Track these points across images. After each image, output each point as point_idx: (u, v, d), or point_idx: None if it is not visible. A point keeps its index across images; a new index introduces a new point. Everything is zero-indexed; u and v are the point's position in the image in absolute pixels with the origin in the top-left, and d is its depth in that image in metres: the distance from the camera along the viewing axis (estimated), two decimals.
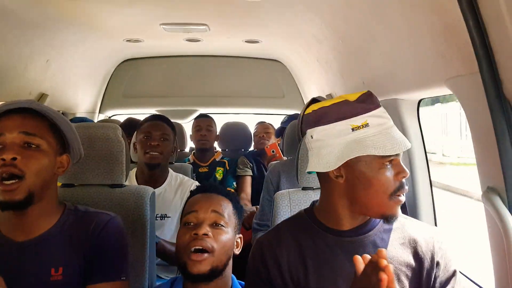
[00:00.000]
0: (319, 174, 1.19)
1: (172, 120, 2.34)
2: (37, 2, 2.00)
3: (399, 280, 1.13)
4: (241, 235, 1.40)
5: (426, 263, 1.15)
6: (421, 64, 1.54)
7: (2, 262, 1.16)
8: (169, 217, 2.14)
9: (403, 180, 1.11)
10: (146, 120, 2.28)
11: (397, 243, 1.18)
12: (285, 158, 2.72)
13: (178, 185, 2.23)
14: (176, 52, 3.63)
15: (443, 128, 11.68)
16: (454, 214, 6.22)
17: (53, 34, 2.39)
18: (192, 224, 1.30)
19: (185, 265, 1.25)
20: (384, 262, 0.93)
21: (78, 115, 3.28)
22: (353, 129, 1.10)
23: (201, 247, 1.24)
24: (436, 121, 11.27)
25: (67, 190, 1.65)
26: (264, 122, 3.60)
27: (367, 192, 1.11)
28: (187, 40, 3.10)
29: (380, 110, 1.13)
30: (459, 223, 5.83)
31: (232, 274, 1.37)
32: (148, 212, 1.65)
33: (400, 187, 1.11)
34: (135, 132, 2.32)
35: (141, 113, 3.73)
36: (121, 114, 3.91)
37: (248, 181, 3.14)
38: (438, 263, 1.15)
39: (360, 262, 1.00)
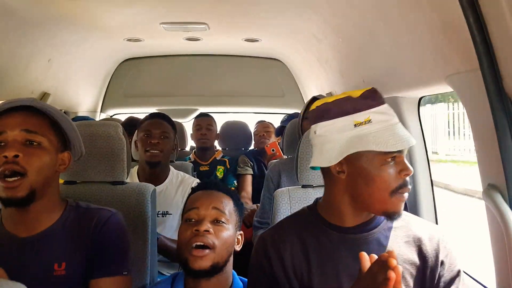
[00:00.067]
0: (322, 170, 1.20)
1: (172, 119, 2.35)
2: (38, 2, 2.01)
3: (403, 278, 1.13)
4: (241, 232, 1.41)
5: (430, 262, 1.15)
6: (421, 62, 1.54)
7: (5, 258, 1.16)
8: (171, 214, 2.15)
9: (407, 178, 1.11)
10: (146, 118, 2.29)
11: (402, 241, 1.18)
12: (285, 156, 2.72)
13: (180, 182, 2.24)
14: (176, 51, 3.64)
15: (433, 128, 11.89)
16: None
17: (54, 33, 2.40)
18: (193, 220, 1.31)
19: (186, 261, 1.26)
20: (394, 262, 0.93)
21: (80, 114, 3.29)
22: (355, 125, 1.10)
23: (202, 243, 1.26)
24: (427, 121, 11.47)
25: (69, 187, 1.67)
26: (264, 121, 3.61)
27: (368, 189, 1.10)
28: (187, 39, 3.11)
29: (384, 107, 1.13)
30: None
31: (233, 270, 1.38)
32: (149, 209, 1.66)
33: (403, 185, 1.10)
34: (136, 130, 2.32)
35: (142, 112, 3.74)
36: (122, 113, 3.91)
37: (249, 179, 3.15)
38: (442, 262, 1.15)
39: (366, 259, 1.00)
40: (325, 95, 2.83)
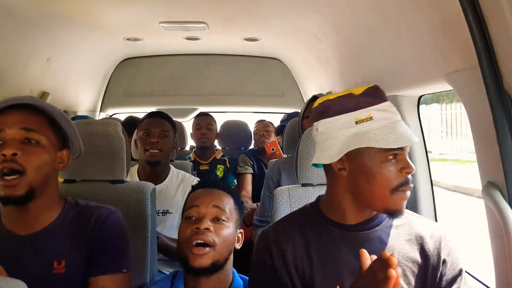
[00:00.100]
0: (324, 167, 1.20)
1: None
2: (37, 1, 2.01)
3: (405, 276, 1.13)
4: (242, 230, 1.41)
5: (432, 260, 1.15)
6: (421, 60, 1.54)
7: (5, 256, 1.16)
8: (171, 213, 2.15)
9: (409, 176, 1.10)
10: (146, 117, 2.29)
11: (404, 239, 1.18)
12: (284, 155, 2.72)
13: (180, 181, 2.24)
14: (175, 50, 3.64)
15: (427, 128, 12.02)
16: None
17: (54, 33, 2.40)
18: (193, 218, 1.31)
19: (186, 258, 1.26)
20: (395, 261, 0.92)
21: (79, 113, 3.29)
22: (356, 122, 1.10)
23: (202, 241, 1.26)
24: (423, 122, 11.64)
25: (69, 186, 1.67)
26: (264, 120, 3.62)
27: (369, 186, 1.10)
28: (186, 38, 3.11)
29: (386, 104, 1.13)
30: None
31: (233, 268, 1.38)
32: (149, 207, 1.66)
33: (405, 183, 1.10)
34: (136, 129, 2.32)
35: (141, 112, 3.74)
36: (122, 113, 3.91)
37: (249, 179, 3.15)
38: (444, 261, 1.15)
39: (367, 257, 1.00)
40: (325, 95, 2.82)
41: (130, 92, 3.76)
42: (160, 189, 2.15)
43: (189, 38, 3.11)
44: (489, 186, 1.17)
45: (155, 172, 2.20)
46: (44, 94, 2.62)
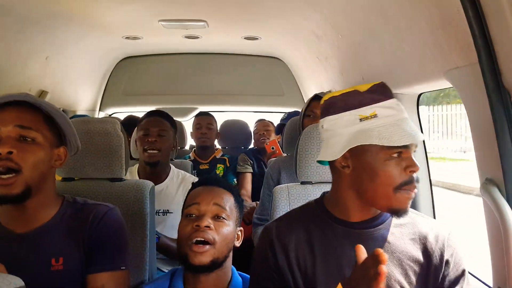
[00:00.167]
0: (330, 164, 1.19)
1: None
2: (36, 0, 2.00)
3: (406, 275, 1.13)
4: (241, 228, 1.41)
5: (435, 261, 1.14)
6: (421, 58, 1.54)
7: (2, 253, 1.16)
8: (171, 213, 2.13)
9: (414, 175, 1.09)
10: (145, 116, 2.29)
11: (407, 238, 1.17)
12: (284, 154, 2.72)
13: (180, 181, 2.23)
14: (175, 49, 3.64)
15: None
16: None
17: (52, 31, 2.39)
18: (194, 216, 1.31)
19: (186, 256, 1.26)
20: (386, 257, 0.92)
21: (79, 113, 3.28)
22: (361, 119, 1.09)
23: (202, 239, 1.26)
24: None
25: (67, 184, 1.67)
26: (264, 120, 3.62)
27: (372, 184, 1.09)
28: (186, 37, 3.10)
29: (392, 102, 1.11)
30: None
31: (232, 266, 1.38)
32: (147, 206, 1.66)
33: (409, 182, 1.08)
34: (135, 129, 2.32)
35: (141, 111, 3.74)
36: (121, 112, 3.91)
37: (248, 178, 3.15)
38: (447, 262, 1.14)
39: (363, 251, 0.99)
40: (326, 93, 2.82)
41: (129, 91, 3.75)
42: (161, 189, 2.15)
43: (189, 37, 3.11)
44: (487, 183, 1.17)
45: (155, 171, 2.19)
46: (42, 93, 2.61)
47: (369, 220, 1.17)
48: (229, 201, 1.36)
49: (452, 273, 1.14)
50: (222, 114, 4.24)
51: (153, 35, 3.06)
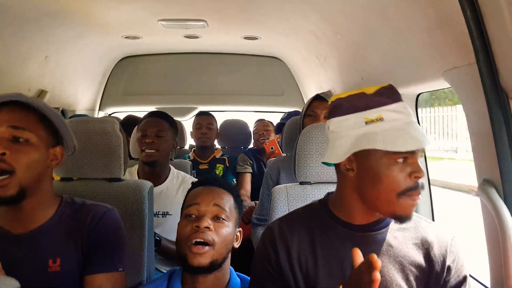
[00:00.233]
0: (335, 165, 1.18)
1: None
2: None
3: (407, 280, 1.12)
4: (240, 229, 1.40)
5: (437, 266, 1.14)
6: (419, 58, 1.54)
7: (0, 255, 1.15)
8: (171, 214, 2.12)
9: (419, 181, 1.06)
10: (144, 117, 2.28)
11: (410, 242, 1.16)
12: (283, 154, 2.72)
13: (180, 182, 2.22)
14: (175, 49, 3.63)
15: None
16: None
17: (52, 30, 2.38)
18: (193, 216, 1.30)
19: (185, 257, 1.25)
20: (379, 264, 0.91)
21: (78, 112, 3.28)
22: (366, 123, 1.07)
23: (202, 240, 1.25)
24: None
25: (65, 184, 1.67)
26: (264, 119, 3.61)
27: (375, 188, 1.08)
28: (185, 36, 3.10)
29: (399, 105, 1.09)
30: None
31: (230, 267, 1.38)
32: (146, 206, 1.66)
33: (413, 188, 1.06)
34: (135, 128, 2.32)
35: (140, 111, 3.74)
36: (121, 112, 3.91)
37: (248, 178, 3.15)
38: (449, 268, 1.14)
39: (359, 256, 0.98)
40: (325, 92, 2.82)
41: (129, 90, 3.75)
42: (160, 190, 2.14)
43: (188, 36, 3.11)
44: (485, 183, 1.17)
45: (154, 172, 2.18)
46: (42, 93, 2.61)
47: (372, 223, 1.16)
48: (229, 201, 1.35)
49: (453, 279, 1.14)
50: (222, 114, 4.24)
51: (153, 35, 3.05)
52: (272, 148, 3.06)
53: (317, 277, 1.14)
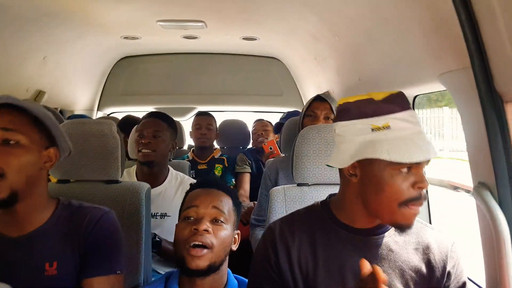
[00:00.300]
0: (339, 169, 1.17)
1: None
2: None
3: (407, 285, 1.12)
4: (239, 231, 1.39)
5: (437, 272, 1.14)
6: (415, 60, 1.54)
7: None
8: (169, 216, 2.12)
9: (422, 191, 1.05)
10: (142, 118, 2.28)
11: (411, 247, 1.16)
12: (282, 154, 2.72)
13: (179, 184, 2.22)
14: (173, 49, 3.64)
15: None
16: None
17: (50, 30, 2.38)
18: (192, 218, 1.29)
19: (183, 259, 1.24)
20: (382, 277, 0.91)
21: (76, 112, 3.28)
22: (373, 130, 1.06)
23: (200, 243, 1.24)
24: None
25: (62, 186, 1.66)
26: (263, 119, 3.61)
27: (378, 196, 1.06)
28: (184, 37, 3.10)
29: (407, 114, 1.06)
30: None
31: (228, 269, 1.37)
32: (143, 208, 1.65)
33: (416, 198, 1.05)
34: (133, 129, 2.32)
35: (139, 111, 3.74)
36: (119, 112, 3.91)
37: (247, 178, 3.14)
38: (449, 273, 1.14)
39: (367, 267, 0.97)
40: (325, 92, 2.82)
41: (127, 91, 3.75)
42: (159, 191, 2.13)
43: (187, 37, 3.11)
44: (479, 186, 1.17)
45: (152, 172, 2.17)
46: (40, 93, 2.61)
47: (374, 227, 1.15)
48: (227, 204, 1.34)
49: (453, 285, 1.14)
50: (221, 114, 4.24)
51: (152, 35, 3.05)
52: (271, 148, 3.06)
53: (316, 279, 1.13)
